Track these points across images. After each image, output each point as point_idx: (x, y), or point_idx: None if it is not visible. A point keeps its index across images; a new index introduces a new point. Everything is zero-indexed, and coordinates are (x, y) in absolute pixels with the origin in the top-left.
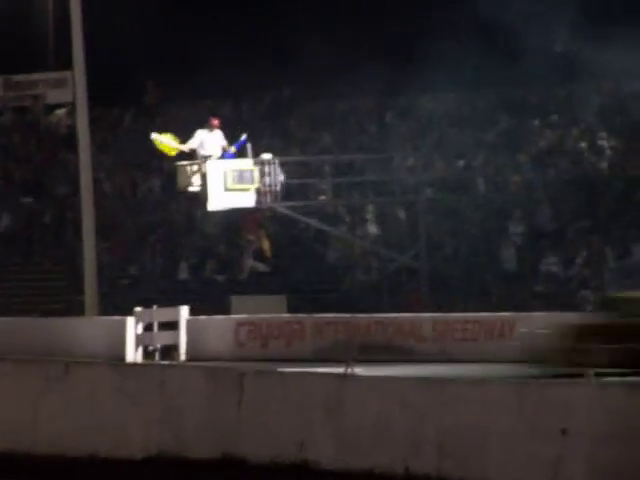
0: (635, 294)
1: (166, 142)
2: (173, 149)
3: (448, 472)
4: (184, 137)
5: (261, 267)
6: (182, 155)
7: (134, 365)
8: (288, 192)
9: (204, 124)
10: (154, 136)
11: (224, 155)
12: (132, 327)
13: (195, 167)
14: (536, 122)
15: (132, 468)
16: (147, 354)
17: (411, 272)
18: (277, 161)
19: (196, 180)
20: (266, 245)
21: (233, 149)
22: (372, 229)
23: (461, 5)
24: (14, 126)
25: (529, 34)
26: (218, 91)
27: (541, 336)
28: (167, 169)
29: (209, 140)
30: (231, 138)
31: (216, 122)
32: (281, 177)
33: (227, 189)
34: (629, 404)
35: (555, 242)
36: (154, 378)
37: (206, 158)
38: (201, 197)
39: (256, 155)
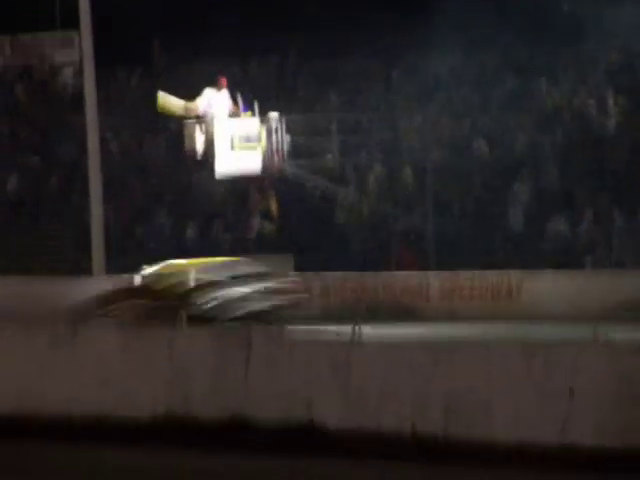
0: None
1: (173, 102)
2: (180, 107)
3: (455, 432)
4: (191, 97)
5: (268, 226)
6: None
7: (142, 325)
8: (295, 151)
9: (212, 83)
10: (161, 94)
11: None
12: None
13: (202, 126)
14: (542, 81)
15: (139, 429)
16: None
17: (418, 232)
18: (284, 119)
19: (202, 139)
20: (273, 204)
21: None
22: (378, 189)
23: None
24: (20, 86)
25: None
26: (225, 51)
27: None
28: (174, 129)
29: (217, 99)
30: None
31: (224, 81)
32: (287, 135)
33: (234, 148)
34: (636, 364)
35: (562, 202)
36: (162, 339)
37: (214, 117)
38: (208, 157)
39: (263, 114)
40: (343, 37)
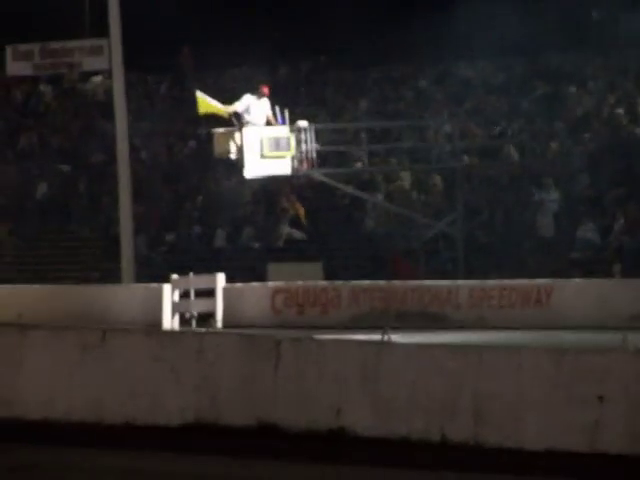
0: None
1: (211, 102)
2: (219, 109)
3: (485, 439)
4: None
5: (297, 234)
6: (219, 122)
7: (171, 332)
8: (324, 159)
9: (254, 90)
10: (199, 95)
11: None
12: (169, 294)
13: (232, 134)
14: (573, 89)
15: (168, 435)
16: (184, 321)
17: (448, 239)
18: (313, 128)
19: (232, 147)
20: (301, 212)
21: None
22: (408, 196)
23: None
24: (50, 94)
25: (567, 0)
26: (255, 58)
27: None
28: (203, 136)
29: (256, 107)
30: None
31: (266, 90)
32: (317, 144)
33: (263, 156)
34: None
35: (592, 209)
36: (191, 345)
37: (247, 124)
38: (237, 164)
39: (292, 122)
40: (372, 46)
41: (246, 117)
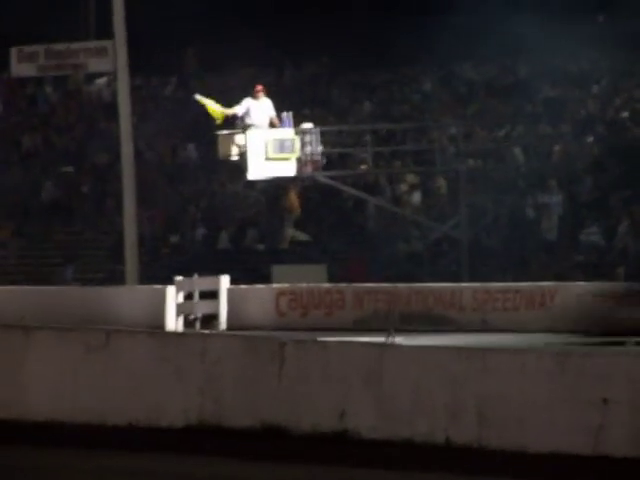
0: None
1: (211, 105)
2: (218, 113)
3: (488, 442)
4: (226, 105)
5: (302, 236)
6: (223, 124)
7: (175, 334)
8: (329, 161)
9: (249, 92)
10: (198, 97)
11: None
12: (173, 296)
13: (235, 136)
14: (577, 92)
15: (172, 437)
16: (187, 323)
17: (451, 242)
18: (318, 130)
19: (236, 149)
20: (295, 203)
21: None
22: (412, 198)
23: None
24: (55, 95)
25: (572, 3)
26: (259, 60)
27: None
28: (208, 138)
29: (256, 109)
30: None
31: (259, 88)
32: (321, 146)
33: (268, 158)
34: None
35: (596, 212)
36: (195, 347)
37: (251, 127)
38: (241, 166)
39: (297, 124)
40: (377, 48)
41: (247, 120)
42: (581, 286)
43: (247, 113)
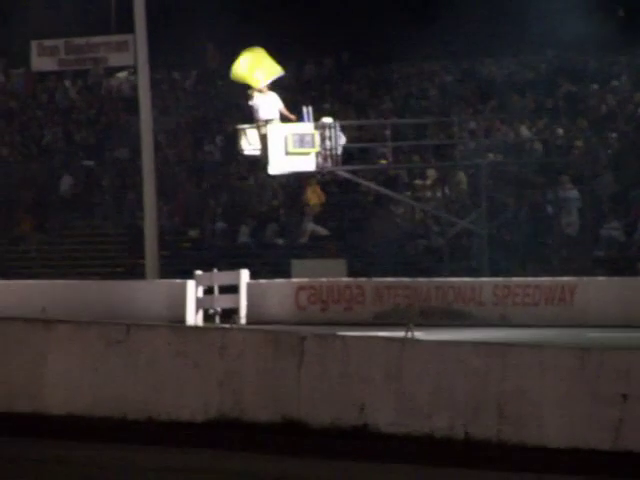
0: None
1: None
2: (252, 79)
3: (508, 437)
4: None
5: (321, 231)
6: (243, 118)
7: (195, 328)
8: (349, 156)
9: (276, 87)
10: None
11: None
12: (193, 290)
13: (256, 130)
14: (597, 87)
15: (192, 431)
16: (207, 317)
17: (472, 236)
18: (337, 125)
19: (257, 143)
20: (316, 198)
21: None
22: (433, 193)
23: None
24: (75, 90)
25: None
26: (279, 55)
27: None
28: (228, 132)
29: (263, 103)
30: (294, 103)
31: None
32: (342, 141)
33: (288, 153)
34: None
35: (616, 207)
36: (215, 341)
37: (271, 121)
38: (262, 160)
39: (317, 119)
40: (397, 42)
41: (259, 116)
42: (601, 281)
43: (256, 110)
